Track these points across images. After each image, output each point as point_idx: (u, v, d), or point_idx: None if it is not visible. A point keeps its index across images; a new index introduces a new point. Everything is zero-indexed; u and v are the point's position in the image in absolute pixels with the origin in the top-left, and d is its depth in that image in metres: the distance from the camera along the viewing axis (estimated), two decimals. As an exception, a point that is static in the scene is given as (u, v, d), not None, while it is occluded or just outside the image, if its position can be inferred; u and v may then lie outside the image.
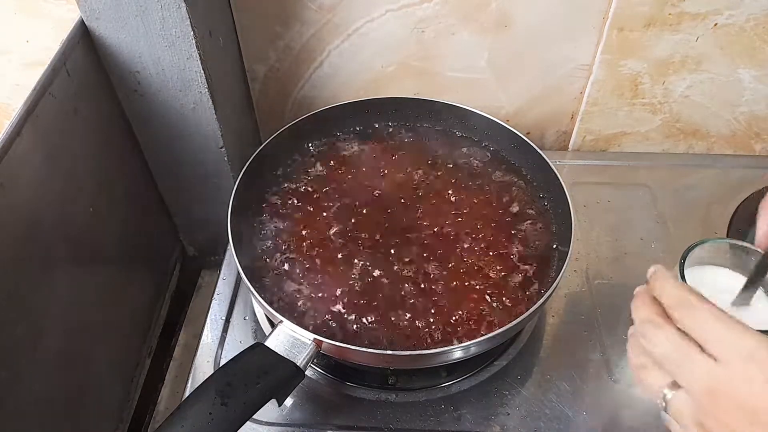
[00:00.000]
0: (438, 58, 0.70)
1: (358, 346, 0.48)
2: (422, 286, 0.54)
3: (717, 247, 0.41)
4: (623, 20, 0.65)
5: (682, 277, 0.39)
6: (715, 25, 0.65)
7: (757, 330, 0.32)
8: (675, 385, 0.33)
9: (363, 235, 0.58)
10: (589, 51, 0.69)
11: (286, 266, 0.56)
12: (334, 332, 0.51)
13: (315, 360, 0.47)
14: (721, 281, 0.41)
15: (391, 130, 0.70)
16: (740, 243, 0.41)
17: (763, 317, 0.39)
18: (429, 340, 0.50)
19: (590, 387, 0.54)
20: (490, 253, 0.56)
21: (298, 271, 0.55)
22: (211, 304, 0.61)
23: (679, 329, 0.33)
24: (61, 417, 0.52)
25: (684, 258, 0.40)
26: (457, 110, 0.68)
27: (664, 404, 0.33)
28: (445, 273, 0.55)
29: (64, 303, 0.51)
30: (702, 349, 0.31)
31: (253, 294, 0.50)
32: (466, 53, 0.69)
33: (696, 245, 0.41)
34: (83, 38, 0.53)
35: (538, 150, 0.61)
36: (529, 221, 0.60)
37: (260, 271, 0.55)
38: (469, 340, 0.49)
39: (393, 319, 0.52)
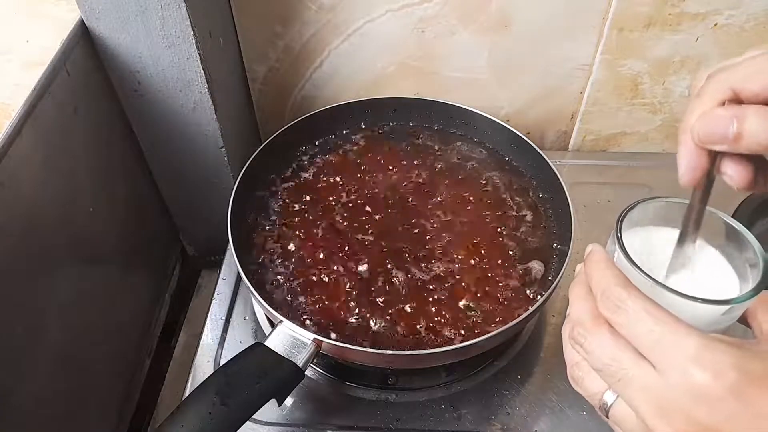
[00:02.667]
0: (438, 58, 0.70)
1: (358, 346, 0.48)
2: (422, 285, 0.54)
3: (656, 207, 0.35)
4: (623, 20, 0.65)
5: (621, 246, 0.32)
6: (715, 25, 0.65)
7: (700, 299, 0.28)
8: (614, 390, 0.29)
9: (363, 234, 0.58)
10: (589, 51, 0.69)
11: (286, 266, 0.56)
12: (334, 332, 0.51)
13: (315, 360, 0.47)
14: (663, 244, 0.35)
15: (391, 130, 0.70)
16: (675, 200, 0.34)
17: (704, 280, 0.34)
18: (429, 340, 0.50)
19: (590, 387, 0.54)
20: (489, 253, 0.56)
21: (298, 270, 0.55)
22: (211, 304, 0.61)
23: (615, 333, 0.28)
24: (61, 417, 0.52)
25: (620, 222, 0.33)
26: (457, 110, 0.68)
27: (605, 412, 0.30)
28: (445, 272, 0.55)
29: (64, 303, 0.51)
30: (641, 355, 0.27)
31: (253, 294, 0.50)
32: (466, 53, 0.69)
33: (632, 207, 0.34)
34: (83, 38, 0.53)
35: (538, 150, 0.61)
36: (529, 221, 0.60)
37: (260, 271, 0.55)
38: (469, 340, 0.49)
39: (393, 318, 0.52)
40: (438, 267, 0.55)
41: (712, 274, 0.33)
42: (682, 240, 0.33)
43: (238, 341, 0.58)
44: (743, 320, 0.31)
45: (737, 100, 0.27)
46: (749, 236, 0.32)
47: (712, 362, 0.24)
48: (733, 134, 0.26)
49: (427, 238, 0.58)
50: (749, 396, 0.23)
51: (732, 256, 0.33)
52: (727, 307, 0.29)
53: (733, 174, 0.29)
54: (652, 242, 0.35)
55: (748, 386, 0.24)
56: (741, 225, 0.33)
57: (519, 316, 0.49)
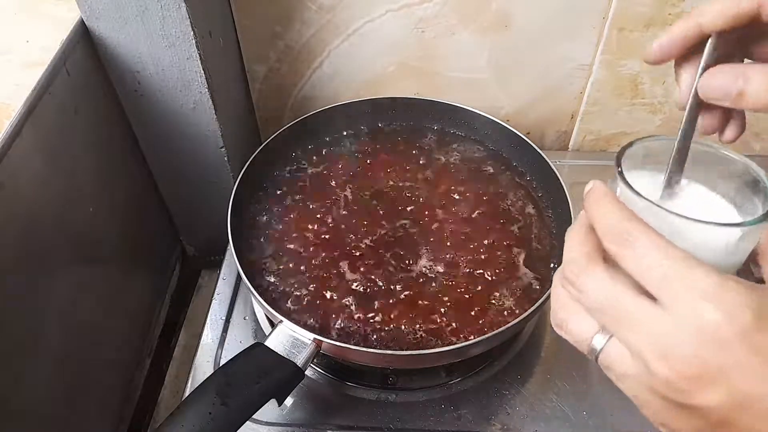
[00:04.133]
0: (438, 58, 0.70)
1: (358, 346, 0.48)
2: (422, 285, 0.54)
3: (654, 146, 0.34)
4: (623, 20, 0.65)
5: (622, 177, 0.30)
6: (715, 25, 0.65)
7: (714, 223, 0.26)
8: (606, 331, 0.27)
9: (363, 234, 0.58)
10: (589, 51, 0.69)
11: (286, 266, 0.56)
12: (334, 332, 0.51)
13: (315, 360, 0.47)
14: (660, 188, 0.33)
15: (391, 130, 0.70)
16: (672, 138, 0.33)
17: (693, 205, 0.31)
18: (429, 340, 0.50)
19: (590, 387, 0.54)
20: (490, 253, 0.56)
21: (298, 270, 0.55)
22: (211, 304, 0.61)
23: (612, 272, 0.26)
24: (61, 417, 0.52)
25: (620, 158, 0.31)
26: (457, 110, 0.68)
27: (594, 356, 0.27)
28: (444, 273, 0.55)
29: (64, 303, 0.51)
30: (645, 296, 0.24)
31: (253, 294, 0.50)
32: (466, 53, 0.69)
33: (631, 144, 0.33)
34: (83, 38, 0.53)
35: (538, 150, 0.61)
36: (529, 221, 0.60)
37: (260, 271, 0.55)
38: (469, 339, 0.49)
39: (393, 318, 0.52)
40: (438, 267, 0.55)
41: (709, 209, 0.31)
42: (670, 180, 0.32)
43: (238, 341, 0.58)
44: (752, 261, 0.29)
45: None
46: (751, 164, 0.31)
47: (725, 302, 0.22)
48: (737, 92, 0.27)
49: (427, 237, 0.58)
50: (762, 342, 0.22)
51: (727, 191, 0.32)
52: (740, 233, 0.27)
53: (703, 120, 0.30)
54: (652, 185, 0.33)
55: (762, 331, 0.22)
56: (738, 154, 0.31)
57: (519, 316, 0.49)
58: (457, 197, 0.62)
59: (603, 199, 0.27)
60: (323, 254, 0.56)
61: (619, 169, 0.31)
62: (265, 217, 0.60)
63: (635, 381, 0.26)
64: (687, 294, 0.23)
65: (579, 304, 0.28)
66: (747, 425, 0.22)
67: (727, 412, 0.22)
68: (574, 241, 0.28)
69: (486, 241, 0.57)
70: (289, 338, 0.46)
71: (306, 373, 0.47)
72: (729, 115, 0.30)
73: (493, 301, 0.53)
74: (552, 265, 0.56)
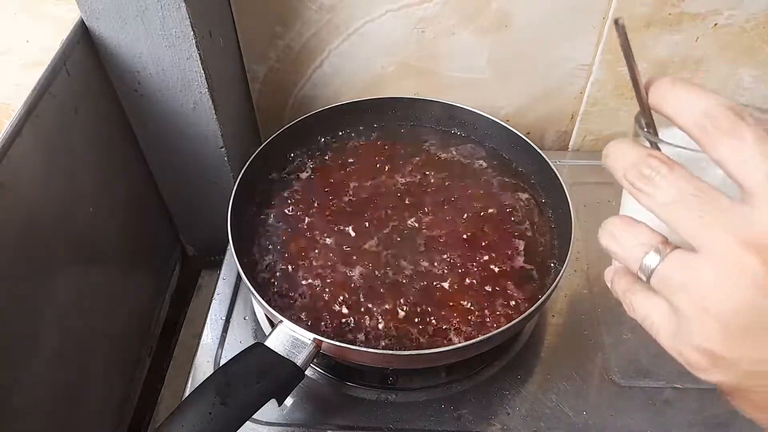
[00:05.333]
0: (438, 58, 0.70)
1: (358, 346, 0.48)
2: (422, 285, 0.54)
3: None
4: (623, 20, 0.65)
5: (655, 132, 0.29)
6: (715, 25, 0.65)
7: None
8: (666, 246, 0.25)
9: (363, 234, 0.58)
10: (589, 51, 0.69)
11: (286, 266, 0.56)
12: (334, 332, 0.51)
13: (315, 360, 0.47)
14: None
15: (391, 130, 0.70)
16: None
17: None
18: (429, 340, 0.50)
19: (590, 387, 0.54)
20: (490, 253, 0.56)
21: (298, 270, 0.55)
22: (211, 304, 0.61)
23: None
24: (61, 416, 0.52)
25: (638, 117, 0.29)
26: (457, 110, 0.68)
27: (649, 272, 0.25)
28: (444, 273, 0.55)
29: (64, 303, 0.51)
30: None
31: (253, 294, 0.50)
32: (466, 53, 0.69)
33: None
34: (83, 38, 0.53)
35: (538, 150, 0.61)
36: (528, 221, 0.60)
37: (260, 271, 0.56)
38: (469, 339, 0.49)
39: (393, 318, 0.52)
40: (437, 267, 0.55)
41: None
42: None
43: (238, 341, 0.58)
44: None
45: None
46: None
47: None
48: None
49: (427, 238, 0.58)
50: None
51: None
52: None
53: None
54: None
55: None
56: None
57: (519, 316, 0.49)
58: (457, 197, 0.62)
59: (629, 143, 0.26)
60: (323, 254, 0.56)
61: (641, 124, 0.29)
62: (265, 217, 0.60)
63: (709, 286, 0.23)
64: None
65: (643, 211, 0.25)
66: None
67: None
68: (635, 147, 0.25)
69: (486, 242, 0.57)
70: (289, 338, 0.46)
71: (306, 373, 0.47)
72: None
73: (493, 301, 0.53)
74: (552, 264, 0.56)
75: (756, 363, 0.23)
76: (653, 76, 0.26)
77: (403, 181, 0.64)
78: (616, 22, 0.28)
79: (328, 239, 0.58)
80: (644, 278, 0.25)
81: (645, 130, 0.29)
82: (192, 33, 0.53)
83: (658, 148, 0.28)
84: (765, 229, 0.22)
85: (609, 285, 0.29)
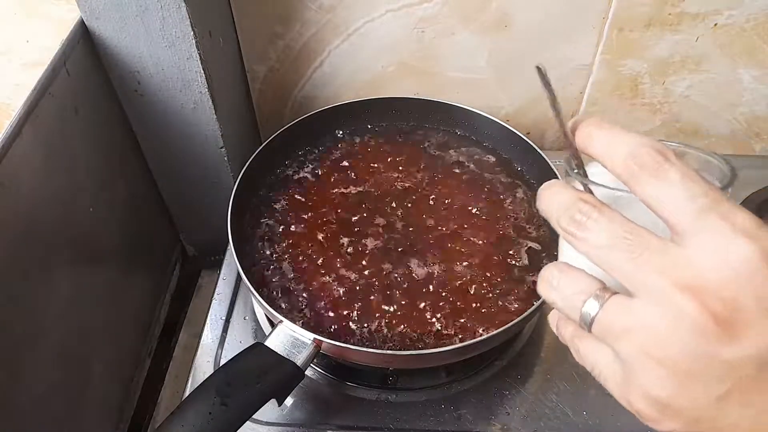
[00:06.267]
0: (438, 58, 0.70)
1: (358, 346, 0.48)
2: (422, 286, 0.54)
3: None
4: (623, 20, 0.65)
5: (583, 173, 0.28)
6: (715, 25, 0.65)
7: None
8: (605, 292, 0.24)
9: (363, 234, 0.58)
10: (589, 51, 0.69)
11: (286, 266, 0.56)
12: (334, 332, 0.51)
13: (315, 360, 0.47)
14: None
15: (391, 130, 0.70)
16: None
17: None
18: (429, 340, 0.50)
19: (590, 387, 0.54)
20: (490, 253, 0.56)
21: (298, 270, 0.55)
22: (211, 304, 0.61)
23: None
24: (61, 417, 0.52)
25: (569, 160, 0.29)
26: (457, 110, 0.68)
27: (589, 321, 0.24)
28: (445, 273, 0.55)
29: (64, 303, 0.51)
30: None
31: (253, 294, 0.50)
32: (466, 53, 0.69)
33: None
34: (83, 38, 0.53)
35: (539, 150, 0.61)
36: (529, 221, 0.60)
37: (260, 270, 0.56)
38: (469, 339, 0.49)
39: (393, 318, 0.52)
40: (438, 267, 0.55)
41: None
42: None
43: (238, 341, 0.58)
44: None
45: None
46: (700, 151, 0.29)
47: (759, 236, 0.21)
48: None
49: (428, 238, 0.58)
50: None
51: None
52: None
53: None
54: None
55: None
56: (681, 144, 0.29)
57: (519, 316, 0.49)
58: (457, 197, 0.62)
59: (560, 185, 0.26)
60: (324, 254, 0.56)
61: (575, 169, 0.29)
62: (265, 217, 0.60)
63: (648, 331, 0.22)
64: (722, 226, 0.21)
65: (578, 257, 0.25)
66: None
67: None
68: (566, 192, 0.25)
69: (486, 241, 0.57)
70: (289, 338, 0.46)
71: (306, 373, 0.47)
72: None
73: (493, 301, 0.53)
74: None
75: (704, 409, 0.22)
76: (579, 117, 0.26)
77: (404, 181, 0.64)
78: (537, 68, 0.28)
79: (328, 239, 0.58)
80: (586, 328, 0.25)
81: (575, 171, 0.28)
82: (192, 33, 0.53)
83: (590, 190, 0.27)
84: (699, 272, 0.21)
85: (554, 330, 0.29)
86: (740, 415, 0.22)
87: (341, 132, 0.69)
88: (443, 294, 0.53)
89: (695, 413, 0.22)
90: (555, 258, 0.57)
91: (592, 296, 0.24)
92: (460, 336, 0.50)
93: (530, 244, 0.58)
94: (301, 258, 0.56)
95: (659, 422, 0.23)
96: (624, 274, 0.23)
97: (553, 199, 0.26)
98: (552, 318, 0.29)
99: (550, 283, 0.26)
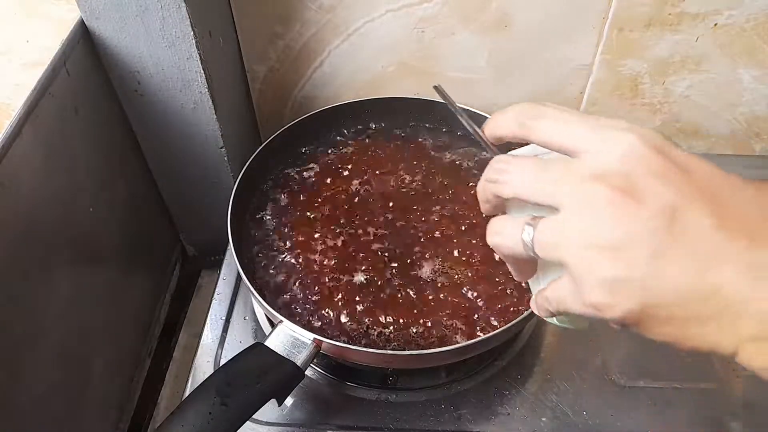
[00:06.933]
0: (438, 58, 0.70)
1: (358, 346, 0.48)
2: (422, 286, 0.54)
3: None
4: (623, 20, 0.65)
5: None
6: (715, 25, 0.65)
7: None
8: (535, 220, 0.28)
9: (363, 234, 0.58)
10: (589, 51, 0.69)
11: (286, 266, 0.56)
12: (334, 332, 0.51)
13: (315, 360, 0.47)
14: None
15: (391, 130, 0.70)
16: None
17: None
18: (429, 340, 0.50)
19: (590, 387, 0.54)
20: (490, 253, 0.56)
21: (298, 270, 0.55)
22: (211, 304, 0.61)
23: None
24: (61, 417, 0.52)
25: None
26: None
27: (530, 245, 0.28)
28: (445, 273, 0.55)
29: (64, 303, 0.51)
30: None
31: (253, 294, 0.50)
32: (466, 53, 0.69)
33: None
34: (83, 38, 0.53)
35: (538, 150, 0.61)
36: (529, 221, 0.60)
37: (260, 270, 0.56)
38: (469, 339, 0.49)
39: (393, 318, 0.52)
40: (439, 267, 0.55)
41: None
42: None
43: (238, 341, 0.58)
44: None
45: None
46: None
47: (634, 128, 0.27)
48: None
49: (428, 238, 0.58)
50: (674, 155, 0.26)
51: None
52: None
53: None
54: None
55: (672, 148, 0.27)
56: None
57: (519, 316, 0.49)
58: (457, 197, 0.62)
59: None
60: (324, 254, 0.56)
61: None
62: (265, 217, 0.60)
63: (577, 227, 0.26)
64: (616, 132, 0.27)
65: (500, 200, 0.30)
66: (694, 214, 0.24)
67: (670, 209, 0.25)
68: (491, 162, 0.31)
69: (485, 241, 0.57)
70: (289, 338, 0.46)
71: (306, 373, 0.47)
72: None
73: (493, 301, 0.53)
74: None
75: (645, 273, 0.24)
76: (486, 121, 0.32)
77: (404, 181, 0.64)
78: (435, 87, 0.34)
79: (328, 239, 0.58)
80: (531, 253, 0.28)
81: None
82: (192, 33, 0.53)
83: None
84: (599, 165, 0.26)
85: (537, 311, 0.33)
86: (678, 270, 0.24)
87: (341, 132, 0.69)
88: (445, 294, 0.53)
89: (639, 280, 0.25)
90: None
91: (526, 225, 0.28)
92: (460, 336, 0.50)
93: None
94: (301, 258, 0.56)
95: (616, 305, 0.25)
96: (546, 195, 0.27)
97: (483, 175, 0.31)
98: (532, 304, 0.33)
99: (494, 230, 0.31)
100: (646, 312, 0.25)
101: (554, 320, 0.35)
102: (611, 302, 0.25)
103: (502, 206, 0.32)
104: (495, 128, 0.31)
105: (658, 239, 0.24)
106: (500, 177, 0.29)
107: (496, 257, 0.56)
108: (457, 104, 0.35)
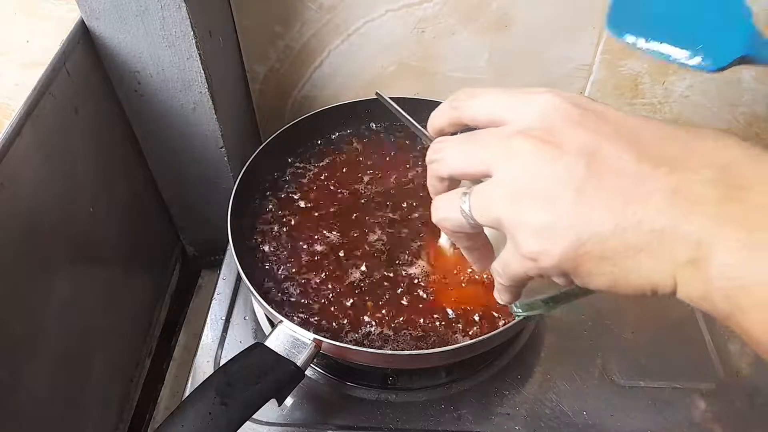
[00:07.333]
0: (438, 58, 0.70)
1: (358, 346, 0.48)
2: (422, 285, 0.54)
3: None
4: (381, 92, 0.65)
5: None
6: (715, 25, 0.65)
7: None
8: (469, 189, 0.30)
9: (363, 234, 0.58)
10: (589, 51, 0.69)
11: (286, 266, 0.56)
12: (334, 332, 0.51)
13: (315, 360, 0.47)
14: None
15: (391, 130, 0.70)
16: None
17: None
18: (429, 340, 0.50)
19: (590, 387, 0.54)
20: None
21: (298, 270, 0.55)
22: (211, 304, 0.61)
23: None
24: (61, 417, 0.52)
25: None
26: (457, 110, 0.68)
27: (468, 211, 0.29)
28: (445, 272, 0.55)
29: (64, 303, 0.51)
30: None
31: (253, 294, 0.50)
32: (466, 53, 0.69)
33: None
34: (83, 38, 0.53)
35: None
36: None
37: (260, 270, 0.56)
38: (469, 339, 0.49)
39: (393, 318, 0.52)
40: (438, 267, 0.55)
41: None
42: None
43: (238, 341, 0.58)
44: None
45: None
46: None
47: (549, 90, 0.29)
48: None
49: (428, 238, 0.58)
50: (585, 103, 0.29)
51: None
52: None
53: None
54: None
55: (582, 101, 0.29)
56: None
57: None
58: (457, 197, 0.62)
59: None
60: (324, 254, 0.56)
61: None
62: (265, 217, 0.60)
63: (508, 181, 0.27)
64: (537, 93, 0.29)
65: (446, 181, 0.32)
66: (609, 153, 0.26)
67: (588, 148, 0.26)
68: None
69: (486, 241, 0.57)
70: (289, 338, 0.46)
71: (306, 373, 0.47)
72: None
73: (494, 301, 0.53)
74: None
75: (571, 212, 0.25)
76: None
77: (404, 180, 0.64)
78: (376, 93, 0.38)
79: (328, 239, 0.58)
80: (471, 221, 0.29)
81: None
82: (192, 33, 0.53)
83: None
84: (521, 122, 0.28)
85: (497, 297, 0.34)
86: (603, 206, 0.25)
87: (341, 132, 0.69)
88: (444, 293, 0.53)
89: (566, 222, 0.25)
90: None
91: (463, 195, 0.30)
92: (459, 336, 0.50)
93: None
94: (301, 257, 0.56)
95: (550, 251, 0.26)
96: (477, 161, 0.29)
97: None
98: (495, 294, 0.35)
99: (435, 207, 0.32)
100: (580, 253, 0.25)
101: (518, 310, 0.36)
102: (545, 248, 0.26)
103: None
104: (433, 120, 0.33)
105: (580, 179, 0.25)
106: (436, 156, 0.31)
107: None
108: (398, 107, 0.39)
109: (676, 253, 0.23)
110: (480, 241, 0.34)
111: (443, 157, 0.31)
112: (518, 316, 0.36)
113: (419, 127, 0.34)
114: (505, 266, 0.30)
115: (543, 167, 0.26)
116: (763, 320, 0.22)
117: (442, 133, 0.34)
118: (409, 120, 0.35)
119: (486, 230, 0.33)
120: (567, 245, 0.25)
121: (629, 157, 0.25)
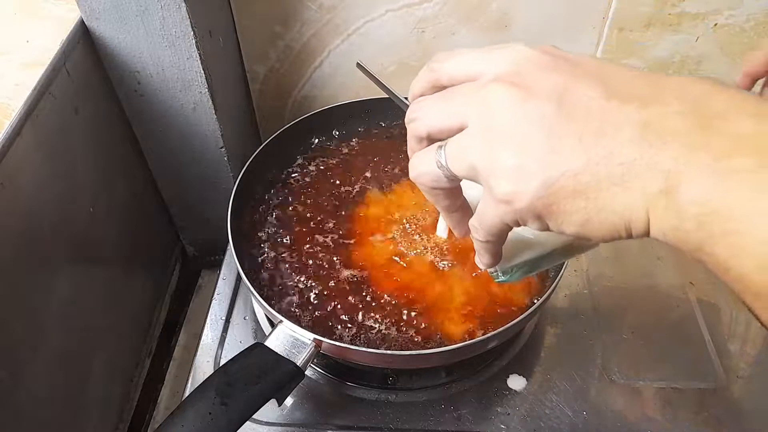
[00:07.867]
0: (438, 58, 0.70)
1: (358, 346, 0.48)
2: (423, 285, 0.54)
3: None
4: (623, 20, 0.65)
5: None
6: (715, 25, 0.65)
7: None
8: (443, 143, 0.30)
9: (364, 234, 0.58)
10: (589, 51, 0.69)
11: (286, 266, 0.56)
12: (334, 332, 0.51)
13: (315, 360, 0.47)
14: None
15: (391, 129, 0.70)
16: None
17: None
18: (429, 340, 0.50)
19: (590, 387, 0.54)
20: (490, 253, 0.56)
21: (298, 270, 0.55)
22: (211, 304, 0.61)
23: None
24: (61, 417, 0.52)
25: None
26: (457, 110, 0.68)
27: (444, 162, 0.30)
28: (445, 272, 0.55)
29: (64, 303, 0.51)
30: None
31: (253, 294, 0.50)
32: (466, 53, 0.69)
33: None
34: (83, 38, 0.53)
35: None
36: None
37: (260, 270, 0.56)
38: (469, 339, 0.49)
39: (393, 318, 0.52)
40: (439, 267, 0.55)
41: None
42: None
43: (238, 341, 0.58)
44: None
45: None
46: None
47: (535, 45, 0.29)
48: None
49: (429, 238, 0.58)
50: (553, 53, 0.28)
51: None
52: None
53: None
54: None
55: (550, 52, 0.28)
56: None
57: (519, 316, 0.49)
58: (457, 197, 0.62)
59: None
60: (324, 254, 0.56)
61: None
62: (265, 217, 0.60)
63: (483, 127, 0.28)
64: (510, 48, 0.29)
65: (424, 141, 0.32)
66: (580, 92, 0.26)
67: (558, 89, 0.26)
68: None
69: (486, 241, 0.57)
70: (289, 338, 0.46)
71: (306, 373, 0.47)
72: None
73: (494, 301, 0.53)
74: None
75: (543, 152, 0.25)
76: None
77: (404, 180, 0.64)
78: (357, 64, 0.37)
79: (328, 239, 0.58)
80: (447, 173, 0.30)
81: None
82: (192, 33, 0.53)
83: None
84: (496, 70, 0.28)
85: (477, 262, 0.34)
86: (573, 142, 0.25)
87: (341, 132, 0.69)
88: (445, 294, 0.53)
89: (538, 161, 0.25)
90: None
91: (437, 149, 0.30)
92: (460, 336, 0.50)
93: (530, 244, 0.58)
94: (301, 257, 0.56)
95: (522, 191, 0.26)
96: (453, 114, 0.29)
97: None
98: (478, 260, 0.34)
99: (412, 165, 0.32)
100: (552, 191, 0.25)
101: (499, 274, 0.36)
102: (518, 188, 0.26)
103: None
104: (413, 86, 0.33)
105: (551, 118, 0.25)
106: (414, 115, 0.31)
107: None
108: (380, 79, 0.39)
109: (647, 184, 0.23)
110: (458, 202, 0.34)
111: (420, 116, 0.31)
112: (499, 281, 0.37)
113: (401, 98, 0.35)
114: (482, 216, 0.30)
115: (514, 110, 0.26)
116: (733, 245, 0.21)
117: None
118: (390, 91, 0.35)
119: (466, 194, 0.33)
120: (539, 183, 0.25)
121: (599, 95, 0.25)
